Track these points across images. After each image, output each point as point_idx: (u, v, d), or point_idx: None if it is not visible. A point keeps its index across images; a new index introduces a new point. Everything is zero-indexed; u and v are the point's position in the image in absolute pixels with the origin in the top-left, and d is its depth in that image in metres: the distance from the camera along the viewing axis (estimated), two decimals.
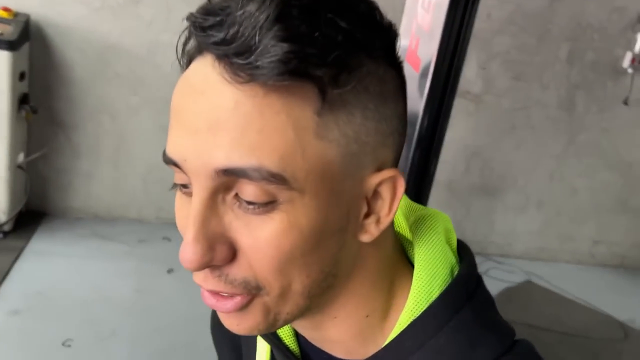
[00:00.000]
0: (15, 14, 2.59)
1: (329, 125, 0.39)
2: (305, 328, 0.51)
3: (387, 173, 0.43)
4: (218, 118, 0.38)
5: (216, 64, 0.39)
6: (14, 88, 2.53)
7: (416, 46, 2.03)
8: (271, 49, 0.36)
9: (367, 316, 0.48)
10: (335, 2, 0.40)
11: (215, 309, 0.45)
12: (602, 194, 3.71)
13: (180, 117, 0.41)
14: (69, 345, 2.19)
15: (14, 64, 2.49)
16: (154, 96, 3.05)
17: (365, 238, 0.44)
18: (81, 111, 3.01)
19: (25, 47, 2.64)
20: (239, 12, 0.37)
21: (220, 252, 0.41)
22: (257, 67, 0.37)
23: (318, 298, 0.45)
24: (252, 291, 0.42)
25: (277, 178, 0.38)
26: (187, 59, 0.43)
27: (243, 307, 0.43)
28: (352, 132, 0.40)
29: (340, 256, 0.44)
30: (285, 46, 0.36)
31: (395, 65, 0.45)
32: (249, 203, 0.39)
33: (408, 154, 2.15)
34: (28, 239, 2.80)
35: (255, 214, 0.40)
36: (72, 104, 2.98)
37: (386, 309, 0.48)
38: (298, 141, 0.38)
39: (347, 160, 0.41)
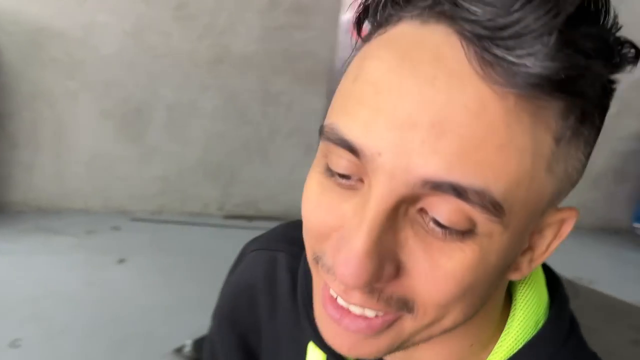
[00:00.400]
0: None
1: (559, 158, 0.33)
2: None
3: (565, 213, 0.37)
4: (450, 117, 0.29)
5: (465, 46, 0.30)
6: None
7: None
8: (556, 54, 0.29)
9: (471, 345, 0.44)
10: (601, 10, 0.33)
11: (340, 324, 0.36)
12: None
13: (382, 99, 0.31)
14: (19, 346, 2.08)
15: None
16: (94, 80, 2.91)
17: (515, 276, 0.39)
18: (15, 98, 2.84)
19: None
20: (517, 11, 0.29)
21: (386, 273, 0.33)
22: (530, 73, 0.29)
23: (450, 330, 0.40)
24: (402, 312, 0.36)
25: (496, 208, 0.31)
26: (388, 15, 0.32)
27: (375, 332, 0.36)
28: (571, 167, 0.35)
29: (491, 292, 0.39)
30: (575, 57, 0.30)
31: (611, 94, 0.38)
32: (442, 226, 0.32)
33: None
34: None
35: (441, 239, 0.33)
36: (4, 92, 2.81)
37: (489, 340, 0.44)
38: (531, 169, 0.32)
39: (553, 196, 0.35)
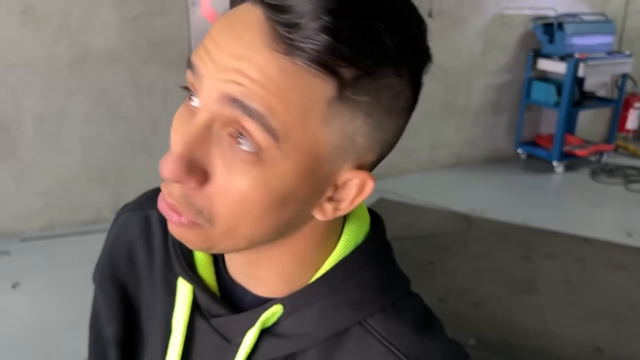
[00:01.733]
0: None
1: (334, 116, 0.43)
2: (236, 261, 0.54)
3: (363, 174, 0.47)
4: (246, 67, 0.41)
5: (262, 21, 0.41)
6: None
7: None
8: (315, 37, 0.39)
9: (300, 266, 0.52)
10: (391, 17, 0.42)
11: (166, 217, 0.47)
12: (429, 103, 3.99)
13: (212, 46, 0.43)
14: None
15: None
16: None
17: (319, 217, 0.48)
18: None
19: None
20: None
21: (195, 177, 0.43)
22: (298, 47, 0.40)
23: (259, 244, 0.48)
24: (199, 221, 0.45)
25: (272, 132, 0.41)
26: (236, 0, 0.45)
27: (186, 227, 0.46)
28: (349, 129, 0.44)
29: (292, 222, 0.48)
30: (326, 39, 0.39)
31: (415, 87, 0.46)
32: (241, 139, 0.42)
33: None
34: None
35: (239, 160, 0.43)
36: None
37: (319, 262, 0.52)
38: (304, 118, 0.42)
39: (335, 150, 0.44)
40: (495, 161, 4.42)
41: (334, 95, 0.41)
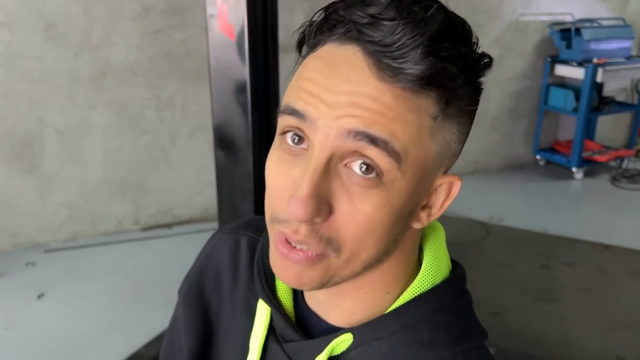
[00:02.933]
0: None
1: (439, 129, 0.47)
2: (321, 291, 0.54)
3: (451, 177, 0.51)
4: (361, 100, 0.44)
5: (366, 58, 0.45)
6: None
7: (225, 14, 2.01)
8: (422, 61, 0.44)
9: (387, 292, 0.54)
10: (468, 37, 0.48)
11: (287, 258, 0.48)
12: None
13: (317, 89, 0.46)
14: None
15: None
16: None
17: (417, 225, 0.51)
18: None
19: None
20: (400, 22, 0.44)
21: (323, 211, 0.46)
22: (406, 73, 0.44)
23: (369, 269, 0.51)
24: (328, 250, 0.48)
25: (396, 155, 0.45)
26: (317, 39, 0.48)
27: (312, 262, 0.48)
28: (449, 138, 0.48)
29: (399, 236, 0.51)
30: (435, 62, 0.44)
31: (478, 91, 0.51)
32: (361, 170, 0.45)
33: (247, 118, 2.16)
34: None
35: (359, 187, 0.46)
36: None
37: (402, 288, 0.54)
38: (418, 136, 0.46)
39: (437, 159, 0.48)
40: (514, 168, 4.39)
41: (439, 110, 0.46)
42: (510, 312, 2.51)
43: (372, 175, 0.45)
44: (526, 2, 4.03)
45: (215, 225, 2.46)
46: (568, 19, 4.15)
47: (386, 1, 0.45)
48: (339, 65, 0.45)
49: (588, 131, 4.27)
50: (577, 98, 4.02)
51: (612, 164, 4.34)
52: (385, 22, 0.44)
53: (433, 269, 0.54)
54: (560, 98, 4.14)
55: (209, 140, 3.11)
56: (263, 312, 0.58)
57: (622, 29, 4.15)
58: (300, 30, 0.50)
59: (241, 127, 2.15)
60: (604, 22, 4.16)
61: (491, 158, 4.32)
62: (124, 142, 3.12)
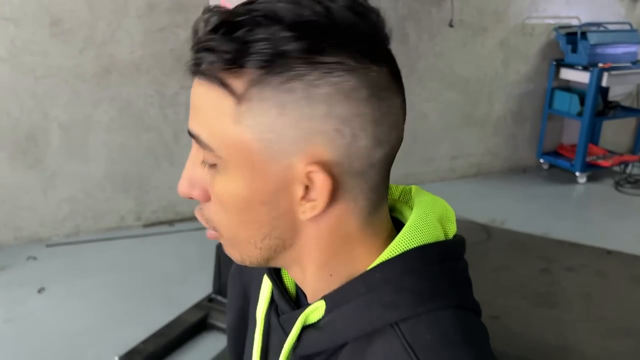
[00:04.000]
0: None
1: (244, 114, 0.47)
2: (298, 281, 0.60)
3: (314, 167, 0.48)
4: (192, 103, 0.51)
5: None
6: None
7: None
8: (207, 55, 0.47)
9: (330, 275, 0.55)
10: (291, 8, 0.46)
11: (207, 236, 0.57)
12: (449, 113, 3.99)
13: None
14: None
15: None
16: None
17: (302, 217, 0.52)
18: None
19: None
20: (206, 27, 0.48)
21: (197, 191, 0.53)
22: (200, 66, 0.48)
23: (276, 253, 0.54)
24: (214, 230, 0.55)
25: (208, 148, 0.50)
26: None
27: (221, 241, 0.56)
28: (267, 122, 0.47)
29: (277, 224, 0.52)
30: (209, 56, 0.47)
31: (358, 71, 0.47)
32: (205, 162, 0.52)
33: None
34: None
35: (212, 172, 0.51)
36: None
37: (352, 269, 0.54)
38: (220, 122, 0.48)
39: (265, 145, 0.48)
40: (517, 171, 4.38)
41: (236, 96, 0.47)
42: (510, 316, 2.51)
43: (210, 161, 0.51)
44: (532, 5, 4.02)
45: None
46: (574, 22, 4.13)
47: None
48: None
49: (592, 136, 4.25)
50: (582, 102, 4.01)
51: (616, 169, 4.33)
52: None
53: (407, 237, 0.52)
54: (565, 102, 4.12)
55: None
56: (266, 287, 0.64)
57: (629, 33, 4.13)
58: None
59: None
60: (611, 27, 4.15)
61: (494, 161, 4.31)
62: (127, 138, 3.13)
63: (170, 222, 3.33)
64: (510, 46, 4.05)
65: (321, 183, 0.49)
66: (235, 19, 0.47)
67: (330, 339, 0.53)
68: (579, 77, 3.98)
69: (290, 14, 0.46)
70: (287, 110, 0.47)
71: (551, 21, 4.12)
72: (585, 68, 3.91)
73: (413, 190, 0.61)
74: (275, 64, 0.46)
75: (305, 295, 0.59)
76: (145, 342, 2.21)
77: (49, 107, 2.94)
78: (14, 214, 3.03)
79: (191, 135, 0.51)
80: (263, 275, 0.65)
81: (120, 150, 3.14)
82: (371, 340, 0.51)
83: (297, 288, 0.62)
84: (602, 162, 4.17)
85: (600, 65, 3.88)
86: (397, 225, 0.58)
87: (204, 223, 0.55)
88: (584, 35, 3.93)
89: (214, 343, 2.30)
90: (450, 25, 3.69)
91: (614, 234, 3.40)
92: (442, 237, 0.54)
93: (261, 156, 0.48)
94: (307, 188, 0.50)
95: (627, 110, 4.49)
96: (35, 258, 2.94)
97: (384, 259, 0.52)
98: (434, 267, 0.52)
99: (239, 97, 0.47)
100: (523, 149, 4.39)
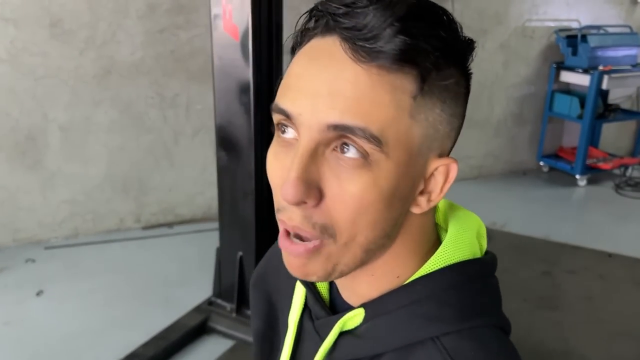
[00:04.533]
0: None
1: (419, 109, 0.48)
2: (340, 280, 0.58)
3: (446, 160, 0.51)
4: (339, 87, 0.46)
5: (343, 44, 0.47)
6: None
7: (230, 14, 2.00)
8: (393, 40, 0.45)
9: (397, 277, 0.55)
10: (442, 19, 0.49)
11: (288, 251, 0.52)
12: None
13: (301, 82, 0.48)
14: None
15: None
16: None
17: (416, 210, 0.52)
18: None
19: None
20: (370, 7, 0.46)
21: (313, 195, 0.48)
22: (380, 52, 0.45)
23: (372, 254, 0.52)
24: (325, 237, 0.50)
25: (375, 140, 0.46)
26: (304, 38, 0.51)
27: (310, 255, 0.51)
28: (432, 118, 0.49)
29: (397, 221, 0.52)
30: (405, 39, 0.45)
31: (467, 75, 0.52)
32: (346, 148, 0.48)
33: (249, 119, 2.15)
34: None
35: (348, 168, 0.48)
36: None
37: (414, 272, 0.54)
38: (396, 116, 0.47)
39: (424, 140, 0.49)
40: (517, 174, 4.38)
41: (417, 88, 0.47)
42: (511, 318, 2.48)
43: (358, 156, 0.47)
44: (533, 7, 4.02)
45: (216, 225, 2.46)
46: (574, 25, 4.13)
47: None
48: (319, 55, 0.48)
49: (592, 138, 4.25)
50: (582, 105, 4.00)
51: (616, 171, 4.32)
52: (358, 10, 0.46)
53: (449, 251, 0.54)
54: (565, 104, 4.12)
55: (212, 139, 3.11)
56: (299, 293, 0.63)
57: (629, 36, 4.13)
58: (292, 36, 0.54)
59: (243, 127, 2.15)
60: (611, 30, 4.15)
61: (494, 163, 4.30)
62: (127, 140, 3.12)
63: (170, 225, 3.31)
64: (511, 48, 4.05)
65: (441, 174, 0.51)
66: (428, 12, 0.48)
67: (369, 347, 0.53)
68: (579, 79, 3.98)
69: (451, 19, 0.50)
70: (446, 107, 0.50)
71: (551, 24, 4.12)
72: (585, 71, 3.91)
73: (441, 202, 0.62)
74: (441, 60, 0.48)
75: (339, 302, 0.59)
76: (145, 345, 2.20)
77: (49, 108, 2.93)
78: (12, 215, 3.02)
79: (338, 127, 0.47)
80: (291, 281, 0.65)
81: (120, 151, 3.13)
82: (411, 351, 0.52)
83: (331, 293, 0.62)
84: (603, 165, 4.17)
85: (601, 68, 3.88)
86: None
87: (308, 231, 0.50)
88: (584, 38, 3.93)
89: (214, 346, 2.29)
90: None
91: (614, 236, 3.40)
92: (478, 253, 0.56)
93: (418, 152, 0.49)
94: (425, 180, 0.52)
95: (627, 113, 4.49)
96: (33, 260, 2.93)
97: (426, 272, 0.53)
98: (476, 284, 0.54)
99: (416, 92, 0.47)
100: (523, 151, 4.39)
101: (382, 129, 0.46)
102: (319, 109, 0.47)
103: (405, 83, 0.47)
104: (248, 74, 2.06)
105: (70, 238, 3.14)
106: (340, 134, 0.47)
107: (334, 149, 0.48)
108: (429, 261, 0.53)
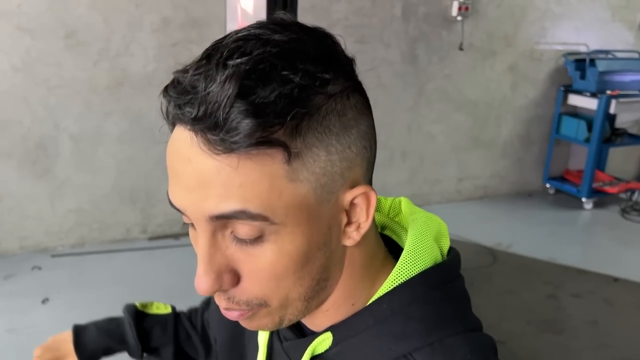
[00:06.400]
0: None
1: (298, 169, 0.45)
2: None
3: (359, 190, 0.49)
4: (205, 180, 0.45)
5: (194, 136, 0.44)
6: None
7: None
8: (238, 125, 0.42)
9: (352, 304, 0.55)
10: (291, 56, 0.44)
11: (228, 317, 0.52)
12: (456, 135, 4.00)
13: (176, 176, 0.47)
14: None
15: None
16: None
17: (349, 242, 0.51)
18: None
19: None
20: (205, 92, 0.43)
21: (227, 279, 0.49)
22: (229, 142, 0.43)
23: (315, 300, 0.52)
24: (254, 307, 0.50)
25: (259, 217, 0.45)
26: (171, 122, 0.48)
27: (249, 317, 0.52)
28: (319, 169, 0.46)
29: (328, 264, 0.51)
30: (248, 122, 0.42)
31: (355, 88, 0.49)
32: (245, 241, 0.47)
33: None
34: None
35: (250, 246, 0.47)
36: None
37: (370, 294, 0.54)
38: (273, 187, 0.45)
39: (319, 191, 0.47)
40: (523, 195, 4.38)
41: (286, 155, 0.44)
42: (515, 341, 2.49)
43: (253, 234, 0.46)
44: (541, 30, 4.05)
45: None
46: (583, 49, 4.16)
47: (192, 72, 0.45)
48: (181, 147, 0.46)
49: (599, 162, 4.25)
50: (589, 128, 4.01)
51: (623, 196, 4.32)
52: (198, 95, 0.43)
53: (408, 264, 0.53)
54: (572, 127, 4.13)
55: None
56: (264, 333, 0.63)
57: (637, 61, 4.15)
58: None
59: None
60: (619, 54, 4.17)
61: (500, 184, 4.31)
62: (137, 151, 3.15)
63: (176, 236, 3.32)
64: (519, 71, 4.07)
65: (362, 201, 0.50)
66: (245, 80, 0.43)
67: None
68: (587, 103, 3.99)
69: (284, 53, 0.45)
70: (332, 148, 0.47)
71: (560, 47, 4.14)
72: (593, 95, 3.93)
73: (403, 204, 0.62)
74: (306, 110, 0.45)
75: (302, 324, 0.59)
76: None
77: (61, 117, 2.96)
78: (20, 223, 3.04)
79: (220, 217, 0.45)
80: None
81: (129, 162, 3.15)
82: None
83: None
84: (609, 189, 4.17)
85: (609, 92, 3.90)
86: (387, 243, 0.59)
87: (237, 308, 0.50)
88: (592, 62, 3.95)
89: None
90: (460, 49, 3.71)
91: (620, 261, 3.38)
92: (439, 258, 0.55)
93: (316, 203, 0.47)
94: (347, 212, 0.50)
95: (634, 138, 4.49)
96: (40, 268, 2.94)
97: (388, 288, 0.52)
98: (437, 293, 0.53)
99: (288, 156, 0.45)
100: (530, 173, 4.39)
101: (262, 205, 0.45)
102: (196, 203, 0.46)
103: (272, 155, 0.44)
104: None
105: (77, 247, 3.15)
106: (225, 222, 0.46)
107: (231, 233, 0.47)
108: (389, 278, 0.53)
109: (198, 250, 0.48)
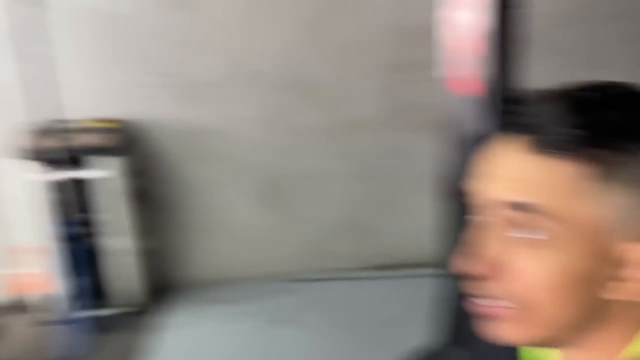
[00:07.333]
0: (116, 122, 2.97)
1: (604, 192, 0.49)
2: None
3: (633, 246, 0.50)
4: (523, 174, 0.51)
5: (520, 141, 0.52)
6: (129, 185, 2.92)
7: (465, 72, 2.07)
8: (568, 135, 0.49)
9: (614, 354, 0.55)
10: (620, 99, 0.52)
11: (482, 315, 0.55)
12: None
13: (485, 167, 0.55)
14: None
15: (126, 166, 2.90)
16: (240, 165, 3.33)
17: (611, 296, 0.52)
18: (177, 189, 3.30)
19: (133, 150, 3.02)
20: (542, 107, 0.52)
21: (490, 270, 0.52)
22: (558, 146, 0.49)
23: (567, 333, 0.53)
24: (507, 309, 0.53)
25: (550, 216, 0.49)
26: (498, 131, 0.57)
27: (504, 319, 0.54)
28: (623, 201, 0.50)
29: (588, 305, 0.52)
30: (581, 132, 0.49)
31: None
32: (522, 233, 0.51)
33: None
34: (162, 314, 2.99)
35: (526, 247, 0.51)
36: (170, 184, 3.31)
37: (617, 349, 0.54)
38: (572, 198, 0.49)
39: (608, 223, 0.50)
40: None
41: (599, 172, 0.48)
42: None
43: (535, 236, 0.49)
44: None
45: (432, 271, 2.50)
46: None
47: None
48: (504, 154, 0.53)
49: None
50: None
51: None
52: (534, 108, 0.51)
53: None
54: None
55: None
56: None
57: None
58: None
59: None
60: None
61: None
62: (360, 188, 3.38)
63: (394, 267, 3.44)
64: None
65: (637, 261, 0.50)
66: (583, 98, 0.51)
67: None
68: None
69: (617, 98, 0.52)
70: (633, 192, 0.50)
71: None
72: None
73: None
74: (626, 148, 0.49)
75: None
76: None
77: (297, 160, 3.34)
78: (252, 251, 3.43)
79: (518, 206, 0.50)
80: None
81: (353, 197, 3.40)
82: None
83: None
84: None
85: None
86: None
87: (492, 298, 0.53)
88: None
89: None
90: None
91: None
92: None
93: (600, 234, 0.50)
94: (619, 266, 0.51)
95: None
96: (270, 293, 3.24)
97: None
98: None
99: (603, 177, 0.49)
100: None
101: (557, 207, 0.48)
102: (502, 190, 0.51)
103: (582, 169, 0.48)
104: (481, 130, 2.09)
105: (304, 274, 3.43)
106: (514, 217, 0.50)
107: (512, 227, 0.51)
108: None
109: (474, 236, 0.53)
